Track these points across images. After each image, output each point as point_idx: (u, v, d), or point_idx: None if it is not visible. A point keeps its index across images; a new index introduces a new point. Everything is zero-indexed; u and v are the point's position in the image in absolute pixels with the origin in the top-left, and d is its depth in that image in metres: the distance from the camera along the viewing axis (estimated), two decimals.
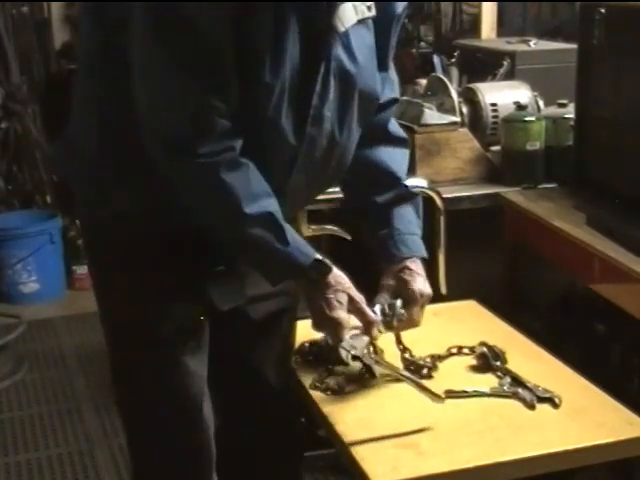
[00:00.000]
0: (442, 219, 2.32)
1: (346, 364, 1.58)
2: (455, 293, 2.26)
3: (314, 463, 2.51)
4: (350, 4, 1.48)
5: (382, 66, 1.63)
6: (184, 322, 1.60)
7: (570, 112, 2.64)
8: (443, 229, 2.31)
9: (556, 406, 1.61)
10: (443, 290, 2.33)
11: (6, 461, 2.92)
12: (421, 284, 1.71)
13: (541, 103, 2.78)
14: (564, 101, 2.68)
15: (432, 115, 2.67)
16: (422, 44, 4.95)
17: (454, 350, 1.82)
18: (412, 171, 2.60)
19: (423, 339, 1.87)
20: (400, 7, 1.62)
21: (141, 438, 1.69)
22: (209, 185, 1.46)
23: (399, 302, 1.69)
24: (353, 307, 1.57)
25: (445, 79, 2.91)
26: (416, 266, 1.72)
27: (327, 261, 1.55)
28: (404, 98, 2.96)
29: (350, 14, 1.48)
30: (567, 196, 2.55)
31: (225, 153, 1.44)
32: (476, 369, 1.76)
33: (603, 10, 2.40)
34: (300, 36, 1.43)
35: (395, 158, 1.78)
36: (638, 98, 2.32)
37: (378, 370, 1.67)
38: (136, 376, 1.64)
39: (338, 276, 1.56)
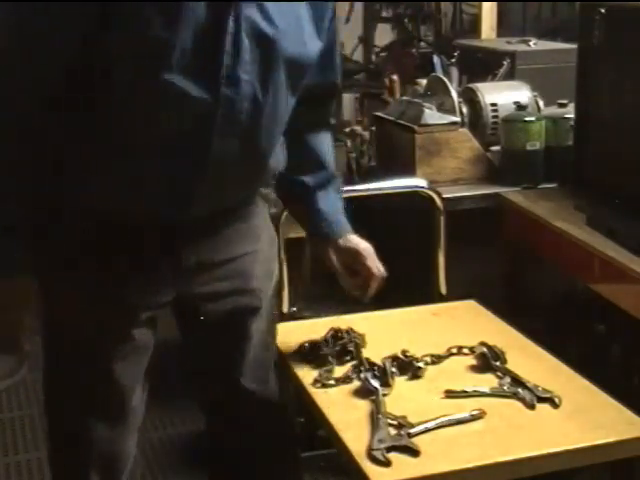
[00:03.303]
0: (442, 219, 2.32)
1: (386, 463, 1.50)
2: (455, 293, 2.26)
3: (314, 463, 2.51)
4: None
5: (320, 36, 1.61)
6: (107, 323, 1.60)
7: (570, 112, 2.64)
8: (443, 229, 2.32)
9: (556, 406, 1.61)
10: (443, 290, 2.33)
11: (6, 461, 2.91)
12: (363, 243, 1.81)
13: (541, 103, 2.78)
14: (564, 101, 2.68)
15: (432, 115, 2.67)
16: (422, 44, 4.95)
17: (454, 350, 1.82)
18: (412, 171, 2.61)
19: (423, 339, 1.87)
20: None
21: (57, 427, 1.73)
22: None
23: (387, 363, 1.72)
24: None
25: (445, 79, 2.90)
26: (347, 239, 1.81)
27: None
28: (404, 98, 2.97)
29: None
30: (567, 196, 2.55)
31: None
32: (476, 369, 1.76)
33: (603, 10, 2.40)
34: None
35: (325, 143, 1.84)
36: (638, 98, 2.32)
37: None
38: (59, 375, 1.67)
39: None
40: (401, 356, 1.76)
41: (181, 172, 1.51)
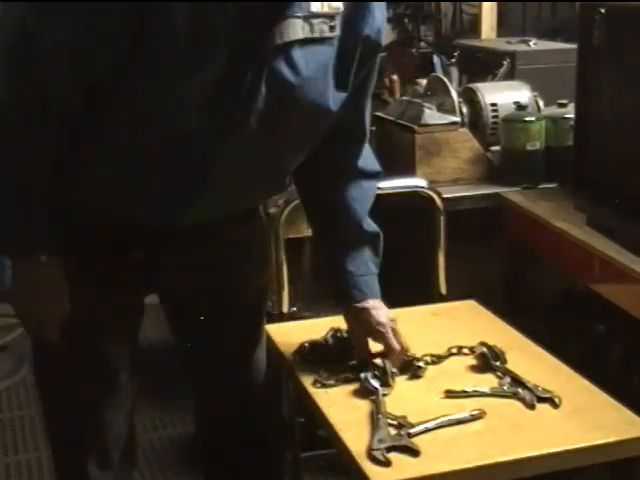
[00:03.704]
0: (442, 219, 2.32)
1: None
2: (455, 293, 2.26)
3: (314, 463, 2.51)
4: (300, 21, 1.44)
5: (342, 86, 1.57)
6: (91, 311, 1.62)
7: (570, 112, 2.64)
8: (443, 229, 2.32)
9: (556, 406, 1.61)
10: (443, 290, 2.33)
11: (6, 461, 2.91)
12: (382, 317, 1.74)
13: (541, 103, 2.78)
14: (564, 101, 2.68)
15: (432, 115, 2.67)
16: (422, 44, 4.95)
17: (454, 350, 1.82)
18: (412, 171, 2.61)
19: (423, 339, 1.87)
20: (367, 29, 1.56)
21: (49, 407, 1.79)
22: None
23: (388, 364, 1.70)
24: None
25: (445, 79, 2.91)
26: (368, 309, 1.74)
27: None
28: (404, 98, 2.97)
29: (296, 30, 1.44)
30: (567, 196, 2.55)
31: None
32: (476, 369, 1.76)
33: (603, 10, 2.40)
34: (230, 44, 1.40)
35: (361, 196, 1.76)
36: (638, 98, 2.32)
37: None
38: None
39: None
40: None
41: (178, 186, 1.53)
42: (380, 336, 1.73)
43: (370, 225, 1.78)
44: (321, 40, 1.48)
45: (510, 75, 3.09)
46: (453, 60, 3.50)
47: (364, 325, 1.74)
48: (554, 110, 2.70)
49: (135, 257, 1.62)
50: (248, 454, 1.88)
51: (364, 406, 1.63)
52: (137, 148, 1.49)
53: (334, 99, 1.55)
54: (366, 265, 1.76)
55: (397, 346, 1.73)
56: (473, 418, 1.56)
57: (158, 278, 1.69)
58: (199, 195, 1.54)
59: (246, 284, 1.79)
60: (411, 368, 1.74)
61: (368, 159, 1.78)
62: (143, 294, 1.74)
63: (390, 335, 1.72)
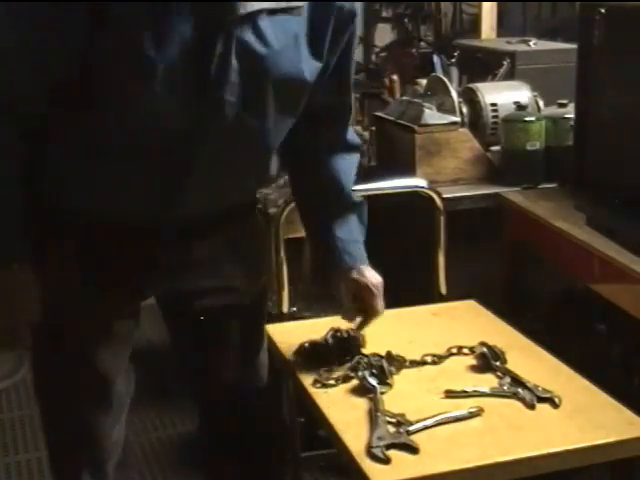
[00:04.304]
0: (442, 219, 2.32)
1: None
2: (455, 293, 2.26)
3: (314, 463, 2.51)
4: None
5: (316, 56, 1.56)
6: (90, 316, 1.63)
7: (570, 112, 2.64)
8: (443, 229, 2.32)
9: (556, 406, 1.61)
10: (443, 290, 2.33)
11: (6, 461, 2.91)
12: (374, 278, 1.76)
13: (541, 103, 2.78)
14: (564, 101, 2.68)
15: (432, 115, 2.67)
16: (422, 44, 4.96)
17: (454, 350, 1.82)
18: (412, 171, 2.61)
19: (423, 339, 1.87)
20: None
21: (45, 413, 1.79)
22: None
23: (385, 363, 1.72)
24: None
25: (445, 79, 2.91)
26: (360, 270, 1.76)
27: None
28: (404, 98, 2.97)
29: None
30: (567, 196, 2.55)
31: None
32: (476, 369, 1.76)
33: (603, 10, 2.40)
34: (194, 16, 1.39)
35: (346, 168, 1.79)
36: (638, 98, 2.32)
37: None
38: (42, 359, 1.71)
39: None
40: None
41: (163, 179, 1.53)
42: (370, 295, 1.75)
43: (355, 195, 1.80)
44: (289, 10, 1.47)
45: (510, 75, 3.09)
46: (453, 60, 3.50)
47: (354, 285, 1.75)
48: (554, 110, 2.70)
49: (134, 257, 1.62)
50: (248, 454, 1.88)
51: (363, 405, 1.63)
52: (124, 145, 1.49)
53: (310, 69, 1.55)
54: (354, 232, 1.79)
55: (380, 310, 1.76)
56: (471, 415, 1.56)
57: (158, 278, 1.68)
58: (186, 185, 1.54)
59: (245, 284, 1.79)
60: (394, 363, 1.74)
61: (352, 132, 1.82)
62: (141, 296, 1.73)
63: (379, 297, 1.75)
